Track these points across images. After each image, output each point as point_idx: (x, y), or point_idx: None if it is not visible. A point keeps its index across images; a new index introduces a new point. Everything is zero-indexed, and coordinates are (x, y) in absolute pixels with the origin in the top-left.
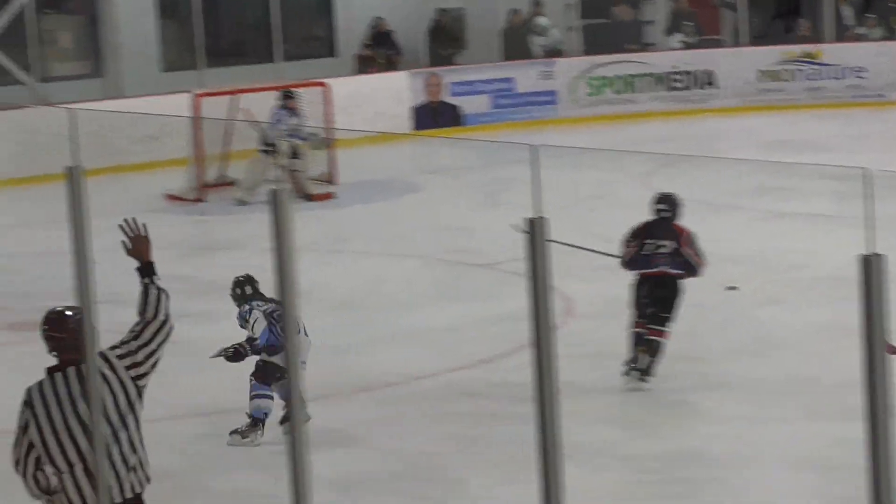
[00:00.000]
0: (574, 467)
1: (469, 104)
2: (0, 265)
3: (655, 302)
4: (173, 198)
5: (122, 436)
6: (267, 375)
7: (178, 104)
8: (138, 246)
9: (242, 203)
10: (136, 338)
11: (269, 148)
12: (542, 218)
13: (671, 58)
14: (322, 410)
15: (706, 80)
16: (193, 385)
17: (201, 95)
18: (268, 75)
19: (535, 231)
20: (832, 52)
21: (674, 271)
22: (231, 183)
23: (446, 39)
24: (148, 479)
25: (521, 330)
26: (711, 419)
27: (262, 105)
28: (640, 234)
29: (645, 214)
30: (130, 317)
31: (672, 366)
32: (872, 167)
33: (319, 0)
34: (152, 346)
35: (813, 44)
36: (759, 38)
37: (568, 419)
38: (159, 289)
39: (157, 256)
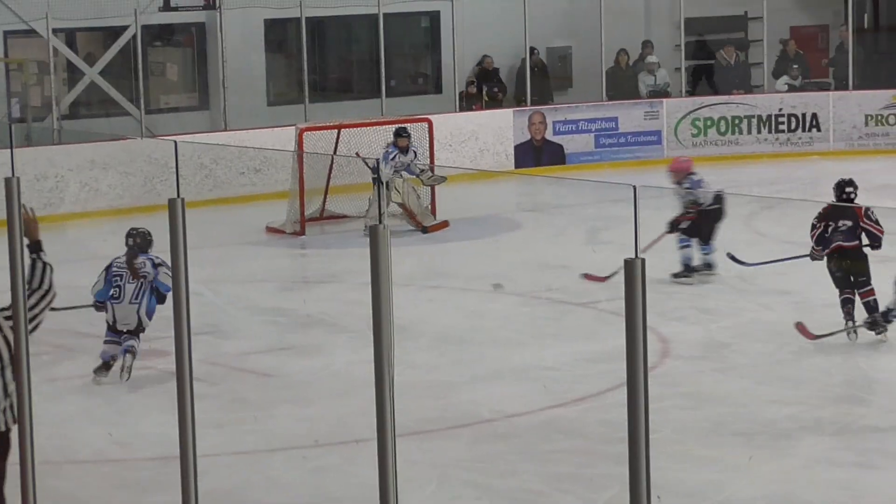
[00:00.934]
0: None
1: (572, 143)
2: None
3: (846, 272)
4: (274, 230)
5: None
6: (115, 327)
7: (282, 138)
8: (28, 226)
9: (367, 234)
10: None
11: (384, 183)
12: (641, 259)
13: (777, 100)
14: (418, 446)
15: (812, 123)
16: (291, 417)
17: (306, 130)
18: (373, 111)
19: (634, 271)
20: None
21: (848, 244)
22: (332, 217)
23: (546, 78)
24: (15, 421)
25: (618, 369)
26: (812, 463)
27: (367, 140)
28: (825, 217)
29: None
30: (232, 348)
31: (780, 409)
32: None
33: (426, 37)
34: (36, 310)
35: None
36: (866, 82)
37: (661, 460)
38: (45, 263)
39: (256, 289)
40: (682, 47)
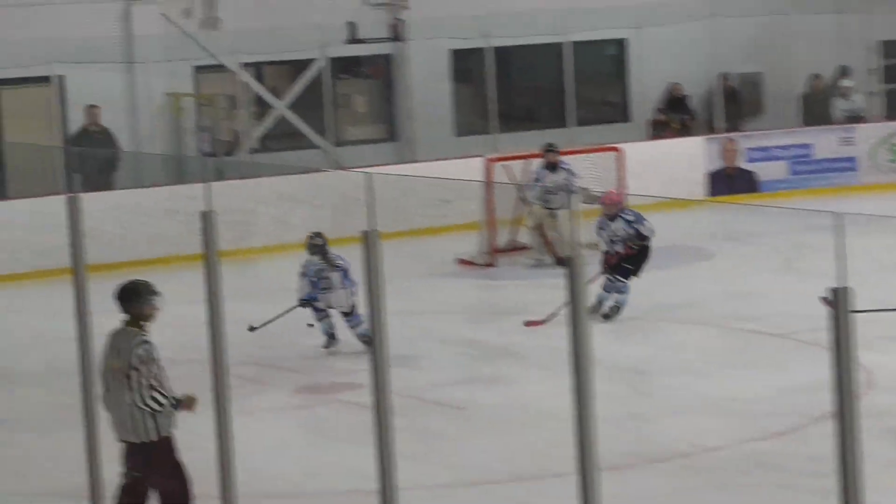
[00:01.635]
0: None
1: (766, 170)
2: (293, 327)
3: None
4: (464, 262)
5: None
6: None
7: (470, 168)
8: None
9: (539, 263)
10: (151, 368)
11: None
12: (846, 288)
13: None
14: (615, 480)
15: None
16: (481, 449)
17: (494, 160)
18: (561, 140)
19: (840, 301)
20: None
21: None
22: (522, 248)
23: (738, 104)
24: (159, 432)
25: (817, 402)
26: None
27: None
28: None
29: None
30: (423, 380)
31: None
32: None
33: (613, 65)
34: (135, 383)
35: None
36: None
37: (865, 494)
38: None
39: (446, 320)
40: (881, 70)
